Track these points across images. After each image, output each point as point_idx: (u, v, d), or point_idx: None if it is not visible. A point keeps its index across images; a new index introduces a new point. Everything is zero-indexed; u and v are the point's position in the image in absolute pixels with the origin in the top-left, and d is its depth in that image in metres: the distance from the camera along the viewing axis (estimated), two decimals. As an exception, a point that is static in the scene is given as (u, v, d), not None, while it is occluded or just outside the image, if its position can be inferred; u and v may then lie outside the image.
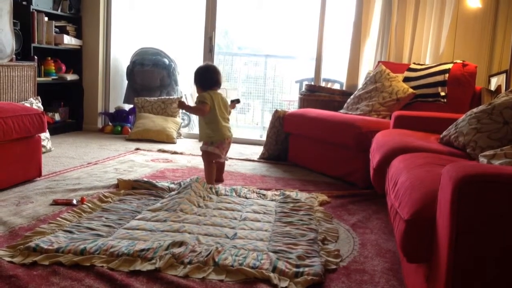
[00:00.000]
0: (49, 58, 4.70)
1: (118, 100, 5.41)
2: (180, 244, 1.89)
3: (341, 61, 4.79)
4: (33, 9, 4.30)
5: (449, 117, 2.80)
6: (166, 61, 5.24)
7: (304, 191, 2.97)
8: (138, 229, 2.10)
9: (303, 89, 4.57)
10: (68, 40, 4.83)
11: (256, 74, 7.00)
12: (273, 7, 7.05)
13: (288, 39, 7.10)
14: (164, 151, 4.18)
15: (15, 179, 2.76)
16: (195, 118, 5.45)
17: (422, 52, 4.27)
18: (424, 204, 1.34)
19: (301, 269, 1.74)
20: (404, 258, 1.48)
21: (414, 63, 3.96)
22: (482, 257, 1.08)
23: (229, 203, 2.61)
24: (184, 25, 6.28)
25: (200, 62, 4.90)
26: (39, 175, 2.96)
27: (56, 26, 4.69)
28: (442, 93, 3.63)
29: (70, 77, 4.92)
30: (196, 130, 5.43)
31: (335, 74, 5.28)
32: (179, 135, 4.98)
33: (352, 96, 3.98)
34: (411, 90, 3.65)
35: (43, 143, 3.56)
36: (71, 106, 5.12)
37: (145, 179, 2.93)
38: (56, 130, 4.69)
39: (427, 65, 3.88)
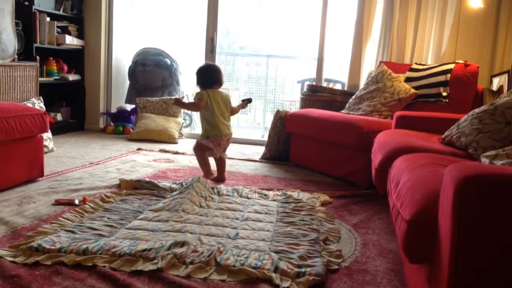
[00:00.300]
0: (51, 58, 4.70)
1: (120, 100, 5.41)
2: (182, 244, 1.89)
3: (343, 61, 4.79)
4: (35, 9, 4.31)
5: (451, 118, 2.80)
6: (168, 61, 5.24)
7: (305, 191, 2.97)
8: (140, 229, 2.10)
9: (305, 89, 4.57)
10: (70, 40, 4.84)
11: (257, 74, 7.00)
12: (275, 7, 7.06)
13: (290, 39, 7.10)
14: (166, 151, 4.18)
15: (18, 179, 2.76)
16: (196, 119, 5.46)
17: (424, 52, 4.26)
18: (426, 204, 1.34)
19: (303, 269, 1.74)
20: (406, 259, 1.48)
21: (416, 63, 3.96)
22: (484, 257, 1.08)
23: (230, 203, 2.61)
24: (185, 25, 6.29)
25: (202, 62, 4.90)
26: (41, 175, 2.97)
27: (58, 26, 4.69)
28: (444, 93, 3.62)
29: (72, 77, 4.93)
30: (197, 130, 5.44)
31: (337, 74, 5.27)
32: (181, 135, 4.98)
33: (353, 96, 3.98)
34: (413, 91, 3.65)
35: (45, 143, 3.56)
36: (73, 106, 5.13)
37: (147, 179, 2.93)
38: (58, 130, 4.69)
39: (429, 65, 3.88)
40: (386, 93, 3.70)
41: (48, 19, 4.51)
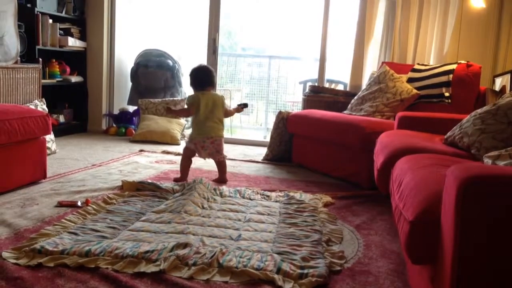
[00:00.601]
0: (54, 60, 4.71)
1: (122, 102, 5.42)
2: (185, 245, 1.90)
3: (345, 62, 4.78)
4: (37, 11, 4.32)
5: (454, 118, 2.80)
6: (170, 62, 5.25)
7: (308, 192, 2.97)
8: (142, 231, 2.10)
9: (307, 90, 4.56)
10: (73, 42, 4.85)
11: (259, 75, 7.00)
12: (277, 8, 7.06)
13: (292, 40, 7.10)
14: (168, 153, 4.19)
15: (20, 181, 2.77)
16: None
17: (426, 52, 4.26)
18: (428, 205, 1.34)
19: (305, 271, 1.74)
20: (409, 260, 1.48)
21: (418, 64, 3.95)
22: (487, 258, 1.07)
23: (233, 204, 2.61)
24: (187, 27, 6.30)
25: (204, 63, 4.91)
26: (44, 177, 2.97)
27: (60, 28, 4.71)
28: (447, 94, 3.62)
29: (74, 79, 4.94)
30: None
31: (339, 75, 5.27)
32: (183, 136, 4.98)
33: (356, 97, 3.97)
34: (415, 91, 3.65)
35: (47, 145, 3.57)
36: (75, 108, 5.14)
37: (150, 181, 2.94)
38: (60, 132, 4.70)
39: (431, 65, 3.88)
40: (388, 93, 3.70)
41: (50, 21, 4.52)
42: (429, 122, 2.98)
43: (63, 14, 4.75)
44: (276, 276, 1.70)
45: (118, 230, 2.10)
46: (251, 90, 7.03)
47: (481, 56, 4.09)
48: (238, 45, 7.95)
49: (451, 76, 3.64)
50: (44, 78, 4.38)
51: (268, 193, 2.87)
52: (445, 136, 2.50)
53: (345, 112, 3.93)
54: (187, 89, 5.50)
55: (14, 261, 1.74)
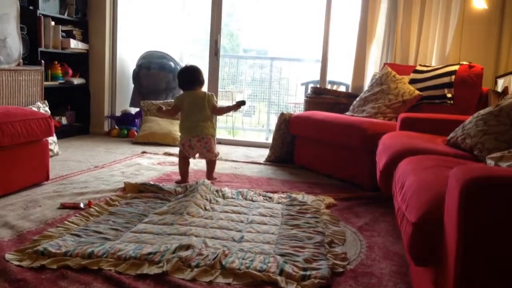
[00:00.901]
0: (56, 62, 4.72)
1: (124, 104, 5.43)
2: (187, 247, 1.90)
3: (347, 63, 4.78)
4: (39, 13, 4.33)
5: (456, 119, 2.79)
6: (172, 64, 5.26)
7: (310, 194, 2.97)
8: (145, 233, 2.10)
9: (309, 91, 4.56)
10: (75, 44, 4.86)
11: (261, 76, 7.01)
12: (278, 10, 7.07)
13: (294, 41, 7.11)
14: (170, 154, 4.19)
15: (23, 183, 2.77)
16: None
17: (428, 53, 4.25)
18: (431, 206, 1.34)
19: (308, 272, 1.74)
20: (411, 261, 1.47)
21: (420, 65, 3.95)
22: (490, 260, 1.07)
23: (235, 206, 2.61)
24: (189, 28, 6.30)
25: (206, 65, 4.92)
26: (47, 179, 2.98)
27: (62, 31, 4.71)
28: (449, 95, 3.61)
29: (76, 81, 4.95)
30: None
31: (341, 76, 5.27)
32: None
33: (358, 98, 3.97)
34: (417, 92, 3.64)
35: (50, 147, 3.57)
36: (77, 109, 5.15)
37: (152, 182, 2.94)
38: (63, 133, 4.71)
39: (433, 66, 3.87)
40: (391, 95, 3.70)
41: (52, 23, 4.53)
42: (431, 123, 2.97)
43: (65, 16, 4.76)
44: (278, 277, 1.70)
45: (120, 232, 2.10)
46: (253, 92, 7.04)
47: (483, 57, 4.08)
48: (240, 46, 7.96)
49: (453, 77, 3.64)
50: (46, 80, 4.39)
51: (270, 195, 2.87)
52: (448, 137, 2.49)
53: (347, 113, 3.93)
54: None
55: (17, 263, 1.75)
